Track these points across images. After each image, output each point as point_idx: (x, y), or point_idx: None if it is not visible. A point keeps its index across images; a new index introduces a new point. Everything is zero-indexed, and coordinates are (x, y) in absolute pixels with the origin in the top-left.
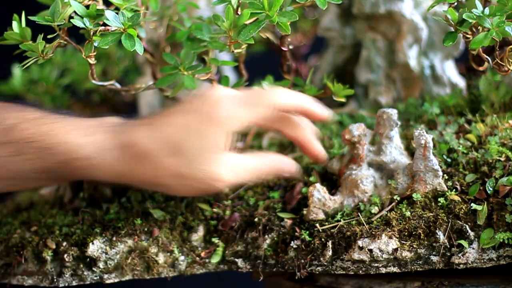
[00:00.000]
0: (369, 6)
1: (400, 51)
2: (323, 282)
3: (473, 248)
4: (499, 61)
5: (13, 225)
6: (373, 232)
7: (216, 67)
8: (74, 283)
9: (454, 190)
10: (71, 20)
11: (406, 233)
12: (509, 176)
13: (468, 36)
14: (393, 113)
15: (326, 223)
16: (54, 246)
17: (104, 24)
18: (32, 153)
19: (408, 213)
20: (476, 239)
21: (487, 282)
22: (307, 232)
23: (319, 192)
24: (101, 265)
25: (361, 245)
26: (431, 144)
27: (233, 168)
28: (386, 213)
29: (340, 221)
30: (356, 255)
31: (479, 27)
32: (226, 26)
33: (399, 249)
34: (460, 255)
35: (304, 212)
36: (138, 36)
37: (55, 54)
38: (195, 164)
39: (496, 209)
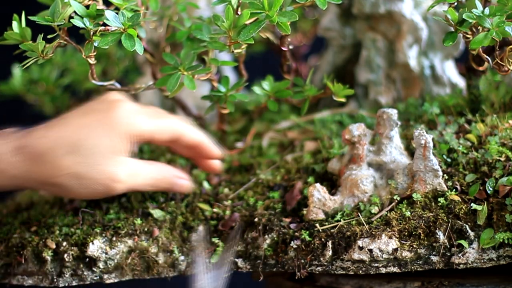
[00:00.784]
0: (369, 6)
1: (400, 51)
2: (323, 282)
3: (473, 248)
4: (499, 61)
5: (13, 225)
6: (373, 232)
7: (216, 67)
8: (74, 283)
9: (454, 190)
10: (71, 20)
11: (406, 233)
12: (509, 176)
13: (468, 36)
14: (393, 113)
15: (326, 223)
16: (54, 246)
17: (104, 24)
18: None
19: (408, 213)
20: (476, 239)
21: (487, 282)
22: (307, 232)
23: (319, 192)
24: (101, 265)
25: (361, 245)
26: (431, 144)
27: (130, 171)
28: (386, 213)
29: (340, 221)
30: (356, 255)
31: (479, 27)
32: (226, 26)
33: (399, 249)
34: (460, 255)
35: (304, 212)
36: (138, 36)
37: (55, 54)
38: (92, 163)
39: (496, 209)
